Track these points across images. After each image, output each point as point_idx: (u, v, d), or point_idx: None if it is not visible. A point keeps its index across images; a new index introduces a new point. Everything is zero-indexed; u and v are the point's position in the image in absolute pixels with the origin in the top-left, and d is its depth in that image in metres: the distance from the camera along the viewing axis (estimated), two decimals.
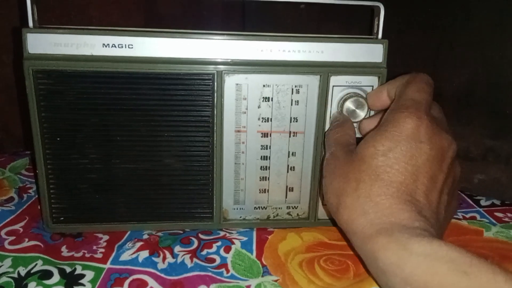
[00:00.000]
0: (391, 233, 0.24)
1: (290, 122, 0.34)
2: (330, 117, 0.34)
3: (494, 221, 0.39)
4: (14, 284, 0.28)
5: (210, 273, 0.30)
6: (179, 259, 0.32)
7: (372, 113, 0.34)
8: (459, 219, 0.39)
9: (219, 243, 0.34)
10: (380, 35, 0.34)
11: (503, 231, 0.37)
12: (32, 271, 0.30)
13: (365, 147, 0.28)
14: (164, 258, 0.32)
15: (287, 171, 0.36)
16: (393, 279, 0.23)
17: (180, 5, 0.62)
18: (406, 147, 0.26)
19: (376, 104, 0.33)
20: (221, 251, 0.33)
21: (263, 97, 0.33)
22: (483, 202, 0.43)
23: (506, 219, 0.39)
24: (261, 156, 0.35)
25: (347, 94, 0.33)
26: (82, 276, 0.30)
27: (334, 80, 0.33)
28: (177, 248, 0.33)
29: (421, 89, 0.29)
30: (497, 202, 0.43)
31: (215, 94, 0.33)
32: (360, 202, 0.26)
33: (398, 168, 0.26)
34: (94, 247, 0.33)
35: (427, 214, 0.26)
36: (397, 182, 0.26)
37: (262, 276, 0.30)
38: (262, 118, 0.34)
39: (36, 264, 0.30)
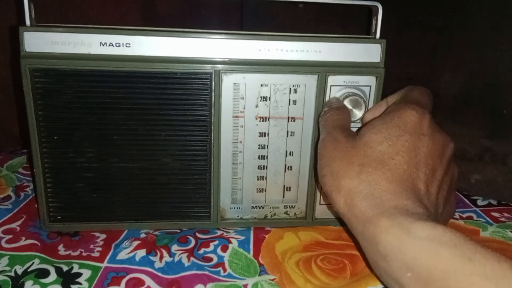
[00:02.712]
0: (394, 217, 0.24)
1: (288, 121, 0.34)
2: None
3: (491, 221, 0.39)
4: (11, 282, 0.28)
5: (207, 272, 0.30)
6: (176, 258, 0.32)
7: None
8: (456, 218, 0.39)
9: (216, 242, 0.34)
10: (378, 35, 0.34)
11: (500, 231, 0.37)
12: (29, 270, 0.30)
13: (372, 132, 0.28)
14: (161, 257, 0.32)
15: (285, 171, 0.36)
16: (393, 265, 0.23)
17: (179, 5, 0.62)
18: (410, 138, 0.27)
19: (375, 116, 0.33)
20: (218, 250, 0.33)
21: (261, 97, 0.33)
22: (479, 202, 0.43)
23: (503, 219, 0.40)
24: (259, 156, 0.35)
25: (345, 93, 0.33)
26: (79, 274, 0.30)
27: (332, 79, 0.33)
28: (174, 247, 0.33)
29: (424, 94, 0.31)
30: (494, 202, 0.43)
31: (213, 94, 0.33)
32: (363, 186, 0.26)
33: (403, 156, 0.27)
34: (91, 246, 0.33)
35: (427, 204, 0.26)
36: (401, 169, 0.26)
37: (259, 275, 0.30)
38: (260, 117, 0.34)
39: (33, 263, 0.30)
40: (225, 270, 0.31)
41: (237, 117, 0.34)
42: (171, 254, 0.32)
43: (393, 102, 0.32)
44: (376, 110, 0.33)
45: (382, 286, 0.28)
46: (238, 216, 0.36)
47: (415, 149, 0.27)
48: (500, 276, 0.20)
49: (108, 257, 0.32)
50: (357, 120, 0.34)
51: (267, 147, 0.35)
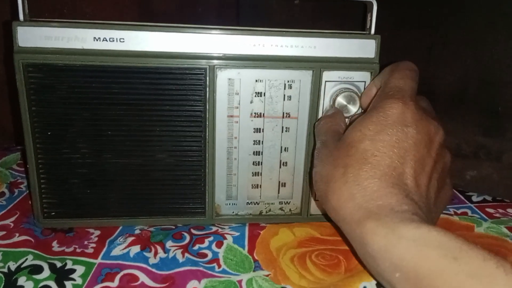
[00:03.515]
0: (379, 217, 0.24)
1: (283, 117, 0.34)
2: (322, 112, 0.34)
3: (485, 217, 0.39)
4: (4, 279, 0.28)
5: (201, 268, 0.30)
6: (171, 254, 0.32)
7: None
8: (451, 214, 0.39)
9: (211, 238, 0.34)
10: (372, 31, 0.34)
11: (494, 226, 0.37)
12: (22, 266, 0.29)
13: (353, 132, 0.28)
14: (156, 253, 0.32)
15: (280, 167, 0.36)
16: (382, 265, 0.23)
17: (175, 2, 0.62)
18: (392, 131, 0.26)
19: (367, 101, 0.33)
20: (213, 246, 0.33)
21: (256, 92, 0.33)
22: (474, 198, 0.43)
23: (497, 215, 0.40)
24: (254, 151, 0.35)
25: (340, 89, 0.33)
26: (72, 271, 0.29)
27: (327, 75, 0.33)
28: (168, 243, 0.33)
29: (405, 76, 0.30)
30: (489, 198, 0.43)
31: (207, 89, 0.32)
32: (347, 186, 0.26)
33: (386, 152, 0.26)
34: (85, 242, 0.33)
35: (416, 197, 0.26)
36: (385, 165, 0.26)
37: (254, 271, 0.30)
38: (255, 113, 0.34)
39: (26, 259, 0.30)
40: (219, 266, 0.31)
41: (232, 113, 0.33)
42: (165, 250, 0.32)
43: (379, 86, 0.31)
44: (366, 96, 0.33)
45: (376, 282, 0.28)
46: (233, 212, 0.36)
47: (398, 142, 0.26)
48: (486, 274, 0.20)
49: (102, 253, 0.31)
50: (352, 115, 0.34)
51: (262, 143, 0.35)
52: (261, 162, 0.35)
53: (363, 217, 0.24)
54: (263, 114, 0.34)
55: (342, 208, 0.26)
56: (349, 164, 0.27)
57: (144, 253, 0.31)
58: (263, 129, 0.34)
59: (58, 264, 0.30)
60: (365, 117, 0.28)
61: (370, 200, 0.25)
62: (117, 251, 0.32)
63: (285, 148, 0.35)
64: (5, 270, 0.29)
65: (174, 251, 0.32)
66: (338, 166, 0.27)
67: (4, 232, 0.34)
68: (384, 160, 0.26)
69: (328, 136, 0.30)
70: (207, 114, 0.33)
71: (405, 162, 0.26)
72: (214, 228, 0.36)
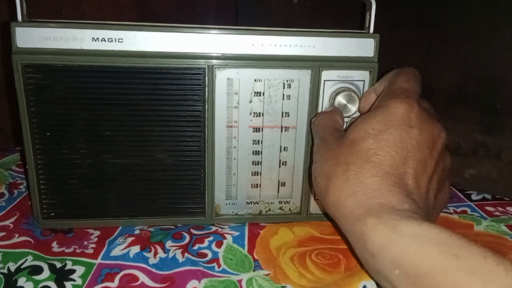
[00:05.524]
0: (380, 215, 0.24)
1: (282, 116, 0.34)
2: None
3: (485, 215, 0.39)
4: (3, 279, 0.28)
5: (201, 268, 0.30)
6: (171, 254, 0.32)
7: None
8: (450, 213, 0.39)
9: (211, 238, 0.34)
10: (371, 30, 0.34)
11: (494, 225, 0.37)
12: (22, 267, 0.29)
13: (356, 130, 0.28)
14: (156, 253, 0.32)
15: (279, 166, 0.36)
16: (381, 262, 0.23)
17: (174, 2, 0.61)
18: (396, 131, 0.27)
19: (365, 106, 0.33)
20: (213, 246, 0.33)
21: (255, 92, 0.33)
22: (474, 197, 0.43)
23: (497, 213, 0.40)
24: (253, 151, 0.35)
25: (339, 88, 0.33)
26: (72, 271, 0.29)
27: (326, 74, 0.33)
28: (168, 243, 0.33)
29: (411, 79, 0.30)
30: (488, 197, 0.43)
31: (206, 89, 0.32)
32: (349, 184, 0.26)
33: (389, 151, 0.26)
34: (85, 243, 0.33)
35: (416, 198, 0.26)
36: (387, 164, 0.26)
37: (254, 270, 0.30)
38: (254, 112, 0.34)
39: (26, 260, 0.30)
40: (219, 266, 0.31)
41: (231, 113, 0.33)
42: (165, 250, 0.32)
43: (380, 91, 0.31)
44: (366, 99, 0.33)
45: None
46: (232, 212, 0.36)
47: (401, 142, 0.26)
48: (486, 271, 0.20)
49: (102, 254, 0.31)
50: (352, 115, 0.34)
51: (262, 143, 0.35)
52: (261, 162, 0.35)
53: (363, 214, 0.24)
54: (262, 113, 0.34)
55: (342, 205, 0.26)
56: (351, 162, 0.27)
57: (144, 253, 0.31)
58: (262, 129, 0.34)
59: (58, 265, 0.30)
60: (369, 116, 0.28)
61: (372, 198, 0.25)
62: (117, 251, 0.32)
63: (284, 147, 0.35)
64: (5, 271, 0.29)
65: (174, 251, 0.32)
66: (339, 163, 0.27)
67: (3, 233, 0.34)
68: (386, 159, 0.26)
69: (327, 133, 0.30)
70: (206, 114, 0.33)
71: (407, 162, 0.26)
72: (213, 228, 0.36)
